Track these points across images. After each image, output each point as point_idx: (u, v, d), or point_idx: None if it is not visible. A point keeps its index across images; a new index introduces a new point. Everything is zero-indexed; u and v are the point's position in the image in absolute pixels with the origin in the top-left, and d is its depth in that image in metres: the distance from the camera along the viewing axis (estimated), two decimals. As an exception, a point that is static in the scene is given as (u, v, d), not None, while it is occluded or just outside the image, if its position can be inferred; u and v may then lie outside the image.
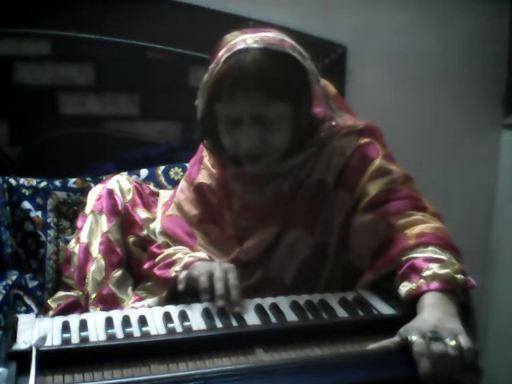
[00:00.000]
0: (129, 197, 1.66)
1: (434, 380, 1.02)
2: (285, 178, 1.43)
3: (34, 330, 1.15)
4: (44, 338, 1.10)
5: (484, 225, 2.33)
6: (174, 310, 1.26)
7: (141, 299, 1.50)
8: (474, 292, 1.24)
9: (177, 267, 1.38)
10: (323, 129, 1.43)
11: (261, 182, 1.43)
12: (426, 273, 1.19)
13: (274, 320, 1.21)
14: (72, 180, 1.88)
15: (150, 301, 1.44)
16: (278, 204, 1.43)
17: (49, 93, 2.00)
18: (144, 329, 1.17)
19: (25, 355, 1.04)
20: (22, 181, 1.85)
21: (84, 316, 1.25)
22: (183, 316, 1.23)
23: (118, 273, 1.58)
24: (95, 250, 1.59)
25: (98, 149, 2.02)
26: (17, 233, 1.81)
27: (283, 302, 1.28)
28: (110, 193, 1.65)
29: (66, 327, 1.18)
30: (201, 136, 1.49)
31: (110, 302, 1.53)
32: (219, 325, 1.19)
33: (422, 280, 1.19)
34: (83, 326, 1.18)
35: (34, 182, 1.85)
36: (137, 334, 1.16)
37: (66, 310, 1.57)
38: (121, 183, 1.67)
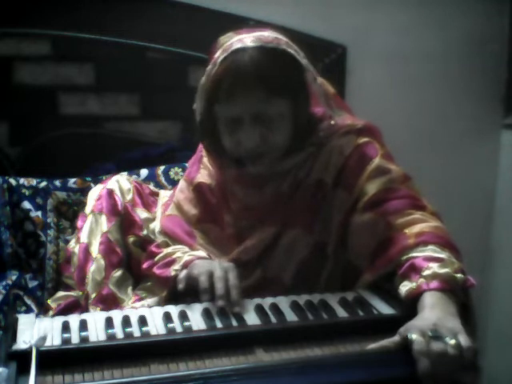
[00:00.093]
0: (129, 197, 1.66)
1: (433, 379, 1.02)
2: (284, 178, 1.43)
3: (34, 330, 1.15)
4: (44, 338, 1.10)
5: (484, 225, 2.33)
6: (173, 310, 1.26)
7: (141, 299, 1.50)
8: (473, 291, 1.24)
9: (176, 266, 1.38)
10: (322, 128, 1.43)
11: (260, 182, 1.44)
12: (426, 272, 1.19)
13: (273, 320, 1.21)
14: (72, 180, 1.88)
15: (150, 301, 1.45)
16: (277, 204, 1.43)
17: (49, 93, 2.00)
18: (144, 329, 1.17)
19: (25, 355, 1.04)
20: (22, 181, 1.85)
21: (84, 316, 1.25)
22: (183, 316, 1.23)
23: (117, 273, 1.58)
24: (95, 250, 1.60)
25: (98, 149, 2.02)
26: (17, 233, 1.81)
27: (283, 302, 1.28)
28: (110, 193, 1.65)
29: (66, 327, 1.18)
30: (200, 138, 1.49)
31: (109, 301, 1.53)
32: (219, 325, 1.19)
33: (421, 279, 1.19)
34: (83, 326, 1.18)
35: (34, 181, 1.85)
36: (137, 334, 1.16)
37: (66, 310, 1.57)
38: (121, 183, 1.67)
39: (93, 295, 1.55)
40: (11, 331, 1.15)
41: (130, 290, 1.57)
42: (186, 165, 1.70)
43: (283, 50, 1.34)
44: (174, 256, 1.42)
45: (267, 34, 1.35)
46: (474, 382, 1.09)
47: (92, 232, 1.62)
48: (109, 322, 1.20)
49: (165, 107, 2.05)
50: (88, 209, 1.66)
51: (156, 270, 1.44)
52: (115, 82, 2.02)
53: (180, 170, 1.89)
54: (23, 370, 1.01)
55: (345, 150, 1.41)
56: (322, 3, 2.08)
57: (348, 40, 2.10)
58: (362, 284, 1.35)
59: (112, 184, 1.67)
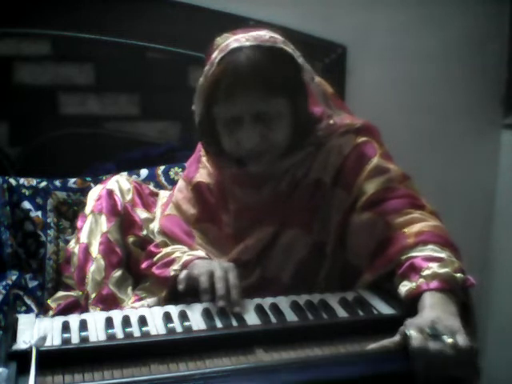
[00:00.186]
0: (128, 197, 1.66)
1: (428, 376, 1.02)
2: (282, 178, 1.43)
3: (34, 330, 1.15)
4: (44, 338, 1.10)
5: (484, 225, 2.33)
6: (174, 310, 1.26)
7: (140, 299, 1.50)
8: (474, 292, 1.24)
9: (175, 266, 1.38)
10: (321, 127, 1.43)
11: (259, 182, 1.43)
12: (426, 272, 1.19)
13: (273, 320, 1.21)
14: (72, 180, 1.88)
15: (150, 301, 1.45)
16: (276, 204, 1.43)
17: (49, 93, 2.00)
18: (144, 329, 1.17)
19: (25, 355, 1.04)
20: (22, 181, 1.85)
21: (84, 316, 1.25)
22: (183, 316, 1.23)
23: (117, 273, 1.58)
24: (95, 250, 1.60)
25: (98, 149, 2.02)
26: (17, 233, 1.81)
27: (283, 302, 1.28)
28: (110, 193, 1.65)
29: (66, 327, 1.18)
30: (199, 139, 1.49)
31: (109, 302, 1.53)
32: (219, 325, 1.19)
33: (421, 279, 1.19)
34: (83, 326, 1.18)
35: (34, 182, 1.85)
36: (137, 334, 1.16)
37: (65, 310, 1.57)
38: (120, 183, 1.67)
39: (93, 295, 1.55)
40: (11, 331, 1.14)
41: (129, 290, 1.57)
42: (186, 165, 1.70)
43: (280, 48, 1.34)
44: (173, 256, 1.42)
45: (264, 34, 1.36)
46: (474, 382, 1.09)
47: (92, 232, 1.62)
48: (109, 322, 1.20)
49: (165, 107, 2.05)
50: (88, 209, 1.66)
51: (155, 270, 1.44)
52: (115, 82, 2.02)
53: (180, 170, 1.89)
54: (23, 370, 1.01)
55: (343, 149, 1.41)
56: (321, 3, 2.08)
57: (348, 40, 2.09)
58: (362, 284, 1.35)
59: (112, 184, 1.67)
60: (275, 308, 1.25)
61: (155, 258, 1.46)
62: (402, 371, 1.04)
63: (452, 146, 2.27)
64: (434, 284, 1.17)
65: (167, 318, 1.22)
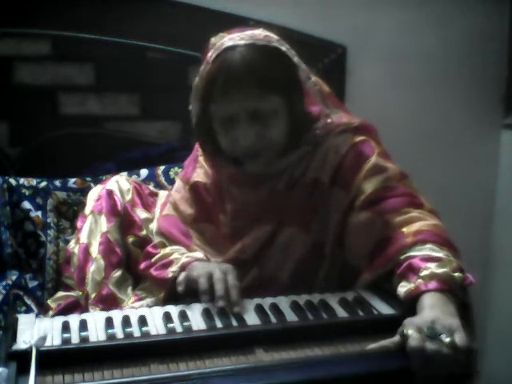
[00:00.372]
0: (128, 197, 1.66)
1: (425, 375, 1.02)
2: (280, 177, 1.43)
3: (34, 330, 1.15)
4: (44, 338, 1.10)
5: (484, 225, 2.33)
6: (174, 310, 1.26)
7: (140, 299, 1.49)
8: (473, 291, 1.24)
9: (174, 268, 1.39)
10: (318, 126, 1.43)
11: (256, 181, 1.43)
12: (424, 272, 1.19)
13: (274, 320, 1.21)
14: (72, 180, 1.88)
15: (149, 301, 1.44)
16: (273, 203, 1.43)
17: (49, 93, 2.00)
18: (144, 329, 1.17)
19: (25, 355, 1.04)
20: (22, 181, 1.85)
21: (84, 316, 1.25)
22: (183, 316, 1.23)
23: (117, 273, 1.58)
24: (95, 250, 1.59)
25: (98, 149, 2.02)
26: (17, 233, 1.81)
27: (283, 302, 1.28)
28: (110, 193, 1.65)
29: (66, 327, 1.18)
30: (196, 139, 1.49)
31: (109, 302, 1.53)
32: (219, 325, 1.19)
33: (420, 280, 1.19)
34: (83, 325, 1.18)
35: (34, 182, 1.85)
36: (137, 334, 1.16)
37: (65, 310, 1.57)
38: (120, 184, 1.67)
39: (93, 295, 1.55)
40: (11, 331, 1.14)
41: (129, 290, 1.57)
42: (185, 165, 1.70)
43: (274, 47, 1.34)
44: (172, 257, 1.42)
45: (258, 33, 1.36)
46: (473, 382, 1.09)
47: (92, 232, 1.62)
48: (109, 322, 1.20)
49: (165, 107, 2.05)
50: (88, 209, 1.66)
51: (153, 272, 1.44)
52: (115, 82, 2.03)
53: (180, 170, 1.89)
54: (23, 370, 1.01)
55: (341, 148, 1.41)
56: (321, 3, 2.08)
57: (348, 40, 2.10)
58: (361, 284, 1.34)
59: (111, 184, 1.67)
60: (275, 308, 1.25)
61: (153, 260, 1.46)
62: (401, 371, 1.05)
63: (452, 146, 2.27)
64: (432, 284, 1.17)
65: (167, 317, 1.22)
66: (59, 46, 1.98)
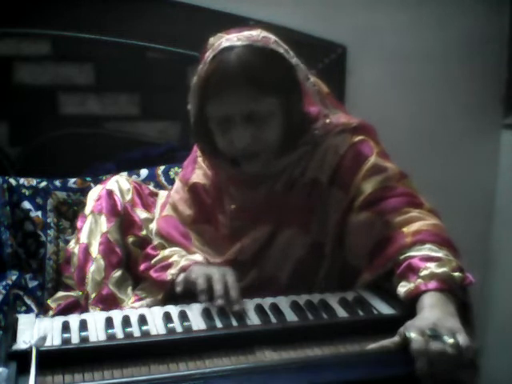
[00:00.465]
0: (128, 197, 1.66)
1: (431, 378, 1.02)
2: (278, 177, 1.42)
3: (34, 330, 1.15)
4: (44, 338, 1.10)
5: (484, 225, 2.33)
6: (174, 310, 1.26)
7: (140, 299, 1.49)
8: (474, 291, 1.24)
9: (173, 270, 1.39)
10: (317, 127, 1.43)
11: (255, 182, 1.43)
12: (424, 272, 1.19)
13: (274, 320, 1.21)
14: (72, 180, 1.88)
15: (149, 301, 1.44)
16: (272, 203, 1.43)
17: (49, 93, 2.00)
18: (144, 329, 1.17)
19: (25, 355, 1.04)
20: (22, 181, 1.85)
21: (84, 316, 1.25)
22: (183, 316, 1.23)
23: (117, 273, 1.58)
24: (95, 250, 1.59)
25: (98, 149, 2.02)
26: (17, 233, 1.81)
27: (283, 302, 1.28)
28: (110, 193, 1.65)
29: (66, 327, 1.18)
30: (195, 139, 1.49)
31: (109, 302, 1.53)
32: (219, 325, 1.19)
33: (419, 280, 1.19)
34: (83, 325, 1.18)
35: (34, 182, 1.85)
36: (137, 334, 1.16)
37: (65, 310, 1.57)
38: (120, 184, 1.67)
39: (93, 295, 1.55)
40: (11, 331, 1.15)
41: (129, 290, 1.57)
42: (185, 165, 1.70)
43: (271, 48, 1.34)
44: (171, 260, 1.42)
45: (256, 33, 1.36)
46: (473, 381, 1.09)
47: (92, 232, 1.62)
48: (109, 322, 1.20)
49: (165, 107, 2.05)
50: (88, 209, 1.66)
51: (152, 273, 1.44)
52: (115, 82, 2.02)
53: (180, 170, 1.89)
54: (23, 370, 1.01)
55: (340, 148, 1.41)
56: (321, 3, 2.08)
57: (348, 40, 2.09)
58: (361, 284, 1.34)
59: (111, 184, 1.67)
60: (275, 308, 1.25)
61: (153, 261, 1.46)
62: (401, 371, 1.04)
63: (452, 146, 2.27)
64: (432, 284, 1.17)
65: (167, 317, 1.22)
66: (59, 45, 1.98)
